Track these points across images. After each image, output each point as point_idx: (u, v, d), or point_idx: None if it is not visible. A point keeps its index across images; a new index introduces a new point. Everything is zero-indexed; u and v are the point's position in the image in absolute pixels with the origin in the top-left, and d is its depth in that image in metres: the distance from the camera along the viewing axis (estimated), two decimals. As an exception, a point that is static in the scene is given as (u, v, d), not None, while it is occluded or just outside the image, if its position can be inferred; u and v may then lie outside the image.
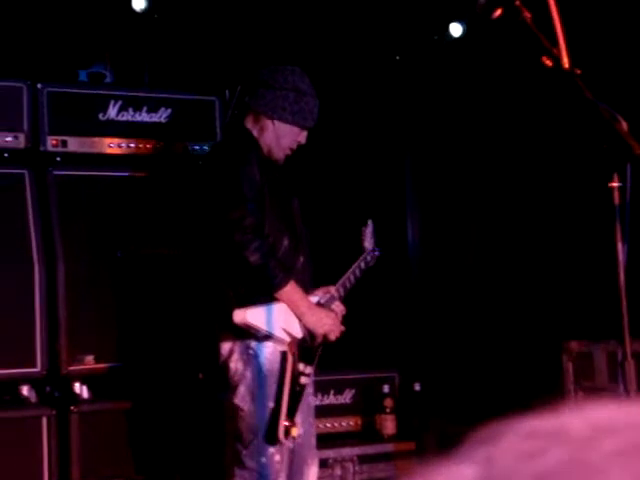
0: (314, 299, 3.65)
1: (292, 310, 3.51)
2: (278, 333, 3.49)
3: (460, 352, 4.85)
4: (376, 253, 3.83)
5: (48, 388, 4.08)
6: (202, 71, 4.95)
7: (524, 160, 4.81)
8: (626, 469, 0.44)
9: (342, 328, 3.61)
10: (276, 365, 3.50)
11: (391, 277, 3.80)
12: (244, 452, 3.49)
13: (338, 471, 4.40)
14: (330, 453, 4.39)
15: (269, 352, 3.50)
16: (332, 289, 3.71)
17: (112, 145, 4.28)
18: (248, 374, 3.48)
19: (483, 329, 4.84)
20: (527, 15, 2.52)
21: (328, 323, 3.56)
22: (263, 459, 3.47)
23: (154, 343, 4.12)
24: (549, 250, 4.70)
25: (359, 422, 4.61)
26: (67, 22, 4.78)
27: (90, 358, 4.06)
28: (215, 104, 4.52)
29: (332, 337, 3.59)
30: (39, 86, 4.15)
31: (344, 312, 3.71)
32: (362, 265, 3.79)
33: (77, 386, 4.06)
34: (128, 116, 4.32)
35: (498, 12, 2.59)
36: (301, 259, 3.64)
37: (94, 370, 4.06)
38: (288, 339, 3.52)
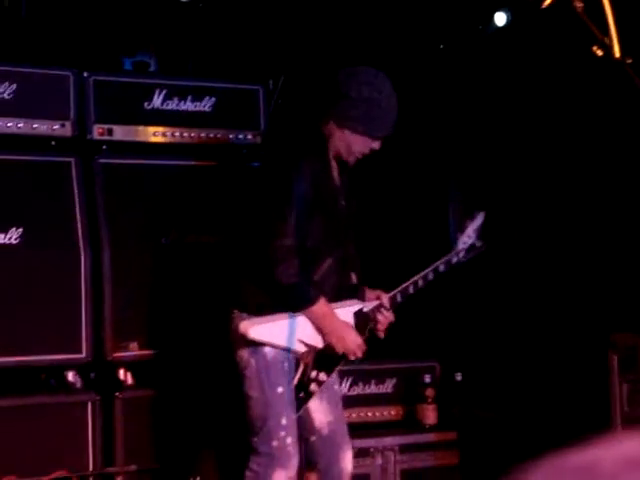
0: (355, 307, 3.64)
1: (315, 326, 3.51)
2: (288, 345, 3.50)
3: (502, 342, 4.83)
4: (477, 245, 3.78)
5: (93, 374, 4.13)
6: (246, 60, 4.97)
7: (572, 151, 4.78)
8: None
9: (363, 350, 3.58)
10: (282, 355, 3.51)
11: (444, 272, 3.79)
12: (255, 439, 3.52)
13: (379, 460, 4.41)
14: (371, 442, 4.41)
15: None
16: (384, 298, 3.70)
17: (157, 134, 4.31)
18: (253, 362, 3.50)
19: (527, 319, 4.82)
20: (579, 4, 2.50)
21: (349, 345, 3.55)
22: (275, 443, 3.49)
23: (197, 330, 4.14)
24: (598, 241, 4.67)
25: (400, 412, 4.62)
26: (112, 11, 4.81)
27: (134, 345, 4.10)
28: (259, 93, 4.53)
29: (351, 358, 3.60)
30: (85, 74, 4.18)
31: (391, 321, 3.70)
32: (441, 268, 3.75)
33: (121, 372, 4.10)
34: (173, 105, 4.34)
35: (548, 0, 2.58)
36: (339, 265, 3.63)
37: (138, 357, 4.10)
38: (302, 350, 3.53)
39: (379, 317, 3.67)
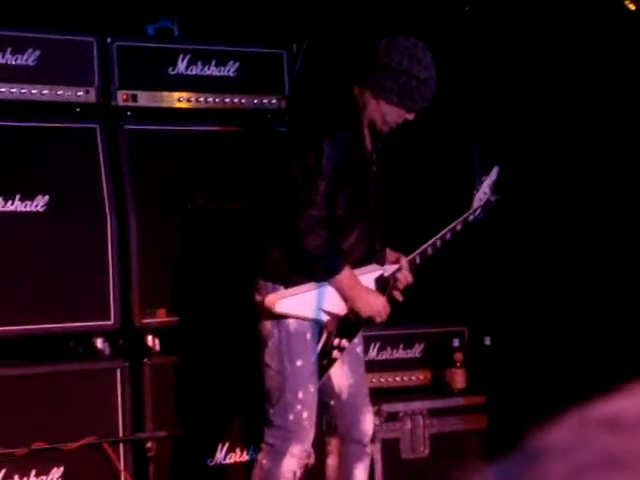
0: (376, 273, 3.62)
1: (340, 294, 3.50)
2: (314, 316, 3.49)
3: (532, 305, 4.80)
4: (492, 199, 3.75)
5: (121, 341, 4.13)
6: (269, 24, 4.92)
7: (597, 107, 4.71)
8: None
9: (388, 312, 3.57)
10: (306, 326, 3.50)
11: (461, 231, 3.76)
12: (271, 411, 3.52)
13: (408, 424, 4.40)
14: (400, 406, 4.40)
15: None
16: (403, 261, 3.68)
17: (181, 99, 4.28)
18: (275, 332, 3.49)
19: (557, 281, 4.78)
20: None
21: (376, 308, 3.54)
22: (291, 416, 3.49)
23: (223, 297, 4.14)
24: (631, 202, 4.61)
25: (429, 376, 4.60)
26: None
27: (162, 311, 4.10)
28: (283, 57, 4.49)
29: (377, 320, 3.59)
30: (109, 40, 4.15)
31: (410, 282, 3.68)
32: (458, 227, 3.73)
33: (149, 339, 4.10)
34: (197, 70, 4.31)
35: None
36: (367, 233, 3.61)
37: (166, 323, 4.10)
38: (326, 319, 3.52)
39: (399, 277, 3.66)
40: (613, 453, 0.39)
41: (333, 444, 3.73)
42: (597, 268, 4.68)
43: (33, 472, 3.79)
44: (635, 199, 4.59)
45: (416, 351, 4.60)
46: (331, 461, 3.74)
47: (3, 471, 3.73)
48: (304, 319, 3.50)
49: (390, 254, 3.73)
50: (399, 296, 3.67)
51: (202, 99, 4.31)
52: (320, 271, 3.46)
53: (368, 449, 3.75)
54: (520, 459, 0.39)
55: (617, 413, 0.41)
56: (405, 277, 3.66)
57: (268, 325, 3.51)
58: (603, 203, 4.70)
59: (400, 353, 4.56)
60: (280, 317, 3.49)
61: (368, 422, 3.72)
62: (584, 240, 4.74)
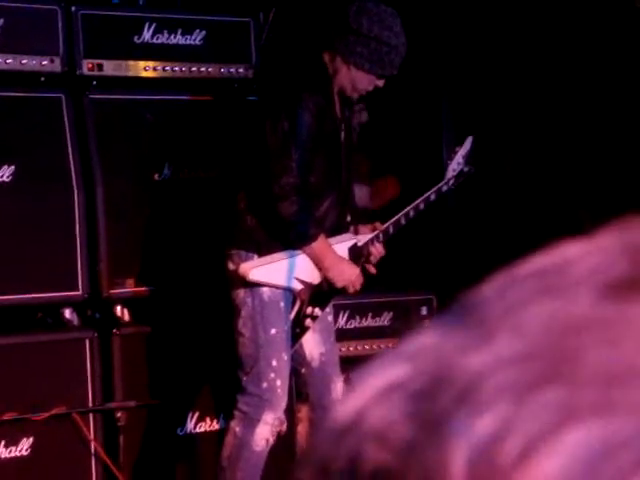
0: (349, 243, 3.64)
1: (314, 263, 3.51)
2: (287, 284, 3.50)
3: (499, 271, 4.82)
4: (465, 170, 3.77)
5: (89, 311, 4.12)
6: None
7: (575, 92, 4.73)
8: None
9: (361, 282, 3.59)
10: (279, 295, 3.51)
11: (435, 200, 3.78)
12: (245, 378, 3.53)
13: (377, 392, 4.43)
14: (369, 374, 4.41)
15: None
16: (379, 228, 3.69)
17: (148, 68, 4.25)
18: (249, 300, 3.50)
19: (524, 247, 4.81)
20: None
21: (349, 278, 3.57)
22: (264, 384, 3.50)
23: (193, 266, 4.13)
24: (594, 167, 4.65)
25: (397, 344, 4.62)
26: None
27: (130, 281, 4.08)
28: (250, 25, 4.47)
29: (350, 290, 3.61)
30: (73, 9, 4.11)
31: (382, 254, 3.70)
32: (432, 197, 3.74)
33: (118, 309, 4.09)
34: (163, 39, 4.28)
35: None
36: (339, 201, 3.61)
37: (134, 293, 4.09)
38: (299, 287, 3.53)
39: (372, 250, 3.67)
40: (545, 285, 0.40)
41: (303, 411, 3.76)
42: (563, 231, 4.70)
43: (2, 443, 3.78)
44: (607, 168, 4.63)
45: (385, 319, 4.62)
46: (301, 428, 3.77)
47: (-28, 443, 3.73)
48: (277, 287, 3.51)
49: (363, 227, 3.74)
50: (372, 269, 3.70)
51: (168, 68, 4.28)
52: (294, 238, 3.47)
53: (338, 416, 3.77)
54: (456, 312, 0.41)
55: (565, 262, 0.42)
56: (378, 250, 3.68)
57: (241, 293, 3.52)
58: (575, 172, 4.73)
59: (369, 321, 4.58)
60: (253, 285, 3.50)
61: (338, 390, 3.74)
62: (552, 208, 4.77)
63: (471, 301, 0.41)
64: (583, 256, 0.40)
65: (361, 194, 4.34)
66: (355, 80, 3.54)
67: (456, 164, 3.79)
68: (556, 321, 0.37)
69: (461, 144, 3.82)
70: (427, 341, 0.40)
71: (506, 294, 0.40)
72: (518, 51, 4.88)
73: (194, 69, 4.32)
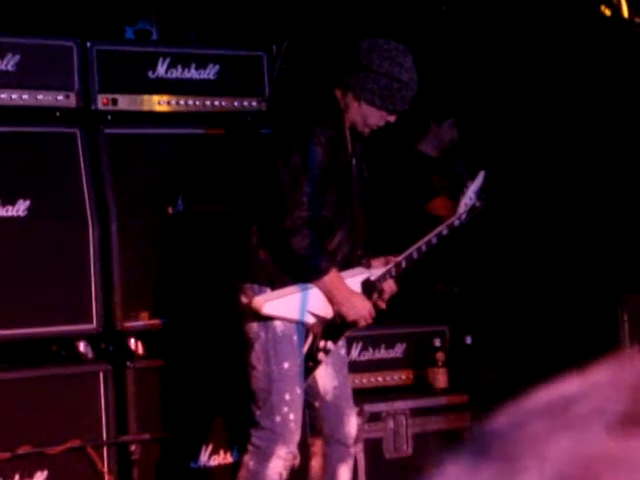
0: (362, 276, 3.65)
1: (326, 296, 3.52)
2: (300, 318, 3.51)
3: (512, 304, 4.83)
4: (477, 205, 3.78)
5: (104, 344, 4.14)
6: (247, 26, 4.93)
7: (577, 110, 4.75)
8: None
9: (373, 316, 3.60)
10: (292, 328, 3.52)
11: (447, 235, 3.79)
12: (258, 412, 3.53)
13: (391, 424, 4.43)
14: (382, 407, 4.42)
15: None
16: (392, 262, 3.71)
17: (162, 102, 4.29)
18: (262, 334, 3.51)
19: (536, 281, 4.82)
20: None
21: (361, 312, 3.57)
22: (278, 418, 3.50)
23: (206, 300, 4.14)
24: (608, 202, 4.66)
25: (410, 376, 4.63)
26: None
27: (144, 314, 4.10)
28: (262, 59, 4.50)
29: (362, 324, 3.62)
30: (88, 44, 4.15)
31: (394, 291, 3.71)
32: (444, 232, 3.75)
33: (132, 342, 4.11)
34: (177, 73, 4.32)
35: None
36: (351, 235, 3.63)
37: (148, 326, 4.11)
38: (312, 321, 3.54)
39: (384, 286, 3.68)
40: (558, 421, 0.45)
41: (317, 445, 3.75)
42: (578, 268, 4.71)
43: (17, 476, 3.79)
44: (617, 201, 4.63)
45: (398, 351, 4.62)
46: (315, 462, 3.76)
47: (-13, 476, 3.74)
48: (290, 321, 3.52)
49: (375, 260, 3.75)
50: (383, 305, 3.71)
51: (182, 102, 4.32)
52: (307, 272, 3.48)
53: (352, 450, 3.77)
54: (475, 445, 0.45)
55: (568, 399, 0.46)
56: (390, 286, 3.69)
57: (254, 327, 3.53)
58: (585, 204, 4.74)
59: (382, 353, 4.59)
60: (267, 319, 3.51)
61: (352, 423, 3.74)
62: (564, 240, 4.78)
63: (487, 434, 0.44)
64: (586, 393, 0.43)
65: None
66: (366, 116, 3.57)
67: (468, 199, 3.80)
68: (577, 455, 0.40)
69: (473, 179, 3.83)
70: (457, 477, 0.43)
71: (523, 428, 0.43)
72: (527, 82, 4.90)
73: (208, 103, 4.35)
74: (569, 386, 0.45)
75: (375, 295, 3.67)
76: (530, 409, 0.45)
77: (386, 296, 3.69)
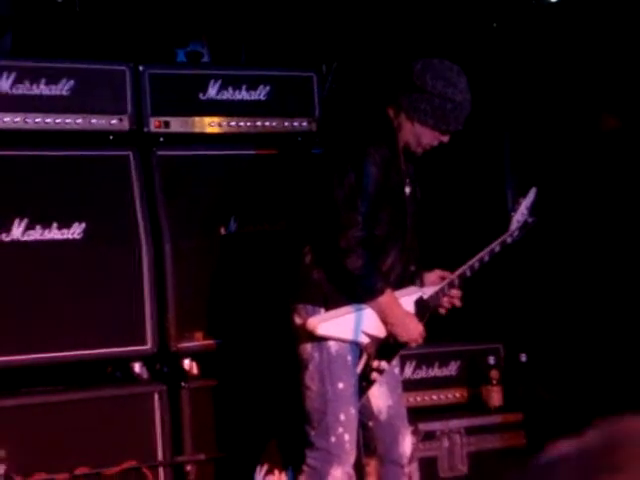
0: (415, 296, 3.64)
1: (380, 317, 3.51)
2: (354, 338, 3.50)
3: (567, 321, 4.79)
4: (529, 221, 3.77)
5: (158, 365, 4.17)
6: (297, 46, 4.96)
7: (632, 135, 4.70)
8: None
9: (424, 337, 3.60)
10: (346, 348, 3.51)
11: (499, 252, 3.77)
12: (313, 433, 3.53)
13: (446, 443, 4.40)
14: (437, 425, 4.40)
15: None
16: (445, 280, 3.70)
17: (213, 124, 4.32)
18: (316, 354, 3.51)
19: (592, 297, 4.77)
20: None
21: (413, 335, 3.57)
22: (333, 439, 3.50)
23: (259, 320, 4.16)
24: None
25: (465, 394, 4.60)
26: (163, 2, 4.82)
27: (198, 335, 4.13)
28: (312, 79, 4.52)
29: (413, 345, 3.61)
30: (141, 68, 4.20)
31: (458, 296, 3.71)
32: (496, 249, 3.74)
33: (186, 362, 4.13)
34: (228, 95, 4.35)
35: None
36: (404, 254, 3.63)
37: (202, 347, 4.13)
38: (366, 341, 3.54)
39: (444, 300, 3.68)
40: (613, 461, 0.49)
41: (372, 465, 3.74)
42: (634, 285, 4.66)
43: (75, 497, 3.82)
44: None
45: (452, 369, 4.60)
46: (370, 482, 3.75)
47: (45, 497, 3.77)
48: (344, 341, 3.52)
49: (428, 275, 3.75)
50: (443, 312, 3.72)
51: (233, 123, 4.35)
52: (361, 292, 3.48)
53: (406, 469, 3.76)
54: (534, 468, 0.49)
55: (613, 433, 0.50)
56: (456, 294, 3.68)
57: (308, 348, 3.53)
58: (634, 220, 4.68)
59: (436, 371, 4.57)
60: (321, 339, 3.51)
61: (407, 443, 3.73)
62: (618, 257, 4.73)
63: (546, 459, 0.47)
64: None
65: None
66: (420, 136, 3.57)
67: (520, 215, 3.78)
68: None
69: (524, 195, 3.81)
70: None
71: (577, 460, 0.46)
72: (578, 98, 4.87)
73: (258, 124, 4.38)
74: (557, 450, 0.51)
75: (431, 310, 3.67)
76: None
77: (449, 305, 3.70)
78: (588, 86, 4.84)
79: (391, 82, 3.65)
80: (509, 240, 3.77)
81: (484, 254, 3.72)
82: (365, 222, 3.42)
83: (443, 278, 3.74)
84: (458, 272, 3.72)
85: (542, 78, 4.97)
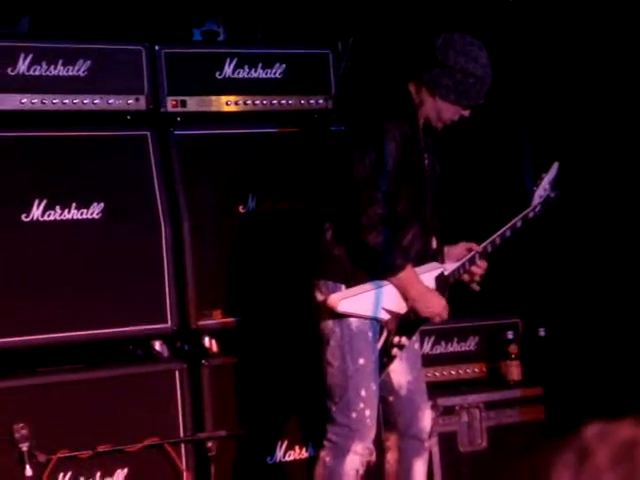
0: (436, 272, 3.65)
1: (401, 293, 3.52)
2: (375, 314, 3.52)
3: (585, 294, 4.79)
4: (552, 196, 3.79)
5: (179, 343, 4.20)
6: (313, 24, 4.95)
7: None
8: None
9: (448, 311, 3.60)
10: (367, 325, 3.53)
11: (521, 227, 3.77)
12: (334, 408, 3.55)
13: (465, 418, 4.42)
14: (456, 400, 4.42)
15: None
16: (469, 253, 3.72)
17: (229, 103, 4.33)
18: (337, 330, 3.52)
19: (612, 271, 4.76)
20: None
21: (436, 310, 3.58)
22: (354, 414, 3.52)
23: (279, 297, 4.18)
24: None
25: (484, 369, 4.62)
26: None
27: (218, 313, 4.15)
28: (329, 57, 4.52)
29: (437, 321, 3.62)
30: (157, 48, 4.21)
31: (485, 268, 3.73)
32: (518, 224, 3.76)
33: (206, 340, 4.16)
34: (244, 73, 4.36)
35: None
36: (424, 230, 3.64)
37: (222, 324, 4.15)
38: (387, 317, 3.55)
39: (474, 269, 3.70)
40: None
41: (392, 440, 3.76)
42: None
43: (98, 474, 3.87)
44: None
45: (470, 344, 4.61)
46: (390, 457, 3.77)
47: (69, 473, 3.82)
48: (365, 318, 3.53)
49: (450, 249, 3.76)
50: (476, 287, 3.74)
51: (250, 102, 4.35)
52: (382, 268, 3.50)
53: (427, 444, 3.78)
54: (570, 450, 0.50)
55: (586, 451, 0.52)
56: (482, 265, 3.70)
57: (330, 324, 3.55)
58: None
59: (454, 347, 4.58)
60: (342, 315, 3.53)
61: (427, 418, 3.75)
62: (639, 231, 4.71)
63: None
64: None
65: None
66: (441, 111, 3.58)
67: (542, 190, 3.78)
68: None
69: (546, 170, 3.81)
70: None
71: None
72: (597, 73, 4.84)
73: (275, 102, 4.38)
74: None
75: (450, 285, 3.68)
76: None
77: (477, 278, 3.71)
78: (607, 60, 4.81)
79: (411, 58, 3.65)
80: (531, 215, 3.78)
81: (506, 229, 3.73)
82: (386, 199, 3.43)
83: (469, 250, 3.75)
84: (480, 248, 3.73)
85: (560, 53, 4.95)
